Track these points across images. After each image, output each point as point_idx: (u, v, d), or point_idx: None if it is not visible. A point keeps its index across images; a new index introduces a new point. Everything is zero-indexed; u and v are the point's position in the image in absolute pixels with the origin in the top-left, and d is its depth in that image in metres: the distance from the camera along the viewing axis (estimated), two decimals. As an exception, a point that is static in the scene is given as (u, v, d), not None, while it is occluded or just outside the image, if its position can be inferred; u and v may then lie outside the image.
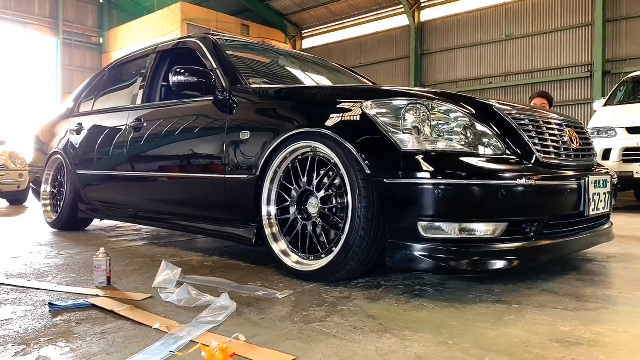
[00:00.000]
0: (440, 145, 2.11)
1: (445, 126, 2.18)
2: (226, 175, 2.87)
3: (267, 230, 2.61)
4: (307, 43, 20.19)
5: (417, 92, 2.30)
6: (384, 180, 2.13)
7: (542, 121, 2.44)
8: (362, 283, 2.40)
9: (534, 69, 13.74)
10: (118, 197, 3.92)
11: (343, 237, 2.26)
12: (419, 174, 2.05)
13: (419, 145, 2.11)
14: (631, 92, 8.34)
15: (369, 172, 2.17)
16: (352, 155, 2.24)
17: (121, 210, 3.93)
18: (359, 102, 2.31)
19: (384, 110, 2.23)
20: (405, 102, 2.21)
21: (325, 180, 2.45)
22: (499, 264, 2.06)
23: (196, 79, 2.98)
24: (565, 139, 2.52)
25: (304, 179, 2.49)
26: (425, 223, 2.06)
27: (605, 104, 7.79)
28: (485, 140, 2.19)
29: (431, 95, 2.27)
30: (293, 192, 2.59)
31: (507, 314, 1.91)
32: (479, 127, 2.20)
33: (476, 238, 2.07)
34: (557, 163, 2.34)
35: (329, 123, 2.36)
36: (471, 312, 1.93)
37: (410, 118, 2.17)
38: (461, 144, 2.13)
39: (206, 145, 3.05)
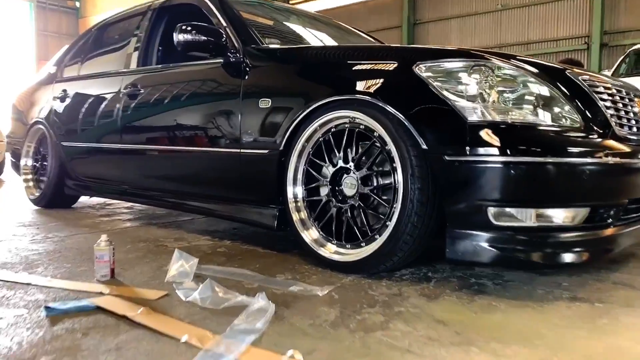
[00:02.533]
0: (513, 116, 1.78)
1: (512, 94, 1.84)
2: (242, 150, 2.50)
3: (295, 216, 2.27)
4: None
5: (476, 52, 1.94)
6: (445, 157, 1.79)
7: (616, 90, 2.11)
8: (407, 275, 2.08)
9: (530, 40, 13.38)
10: (112, 173, 3.52)
11: (391, 223, 1.93)
12: (491, 150, 1.71)
13: (487, 116, 1.77)
14: (634, 64, 8.11)
15: (425, 147, 1.84)
16: (404, 128, 1.90)
17: (116, 188, 3.53)
18: (410, 63, 1.95)
19: (441, 74, 1.88)
20: (467, 63, 1.86)
21: (365, 157, 2.11)
22: (574, 256, 1.76)
23: (205, 38, 2.58)
24: (637, 110, 2.20)
25: (340, 156, 2.14)
26: (497, 209, 1.74)
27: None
28: (558, 110, 1.86)
29: (493, 56, 1.92)
30: (325, 171, 2.24)
31: (597, 316, 1.62)
32: (552, 94, 1.86)
33: (554, 227, 1.76)
34: (634, 138, 2.03)
35: (373, 89, 2.00)
36: (554, 314, 1.64)
37: (474, 83, 1.82)
38: (534, 115, 1.80)
39: (217, 115, 2.67)
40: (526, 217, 1.74)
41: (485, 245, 1.75)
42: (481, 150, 1.73)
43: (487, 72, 1.83)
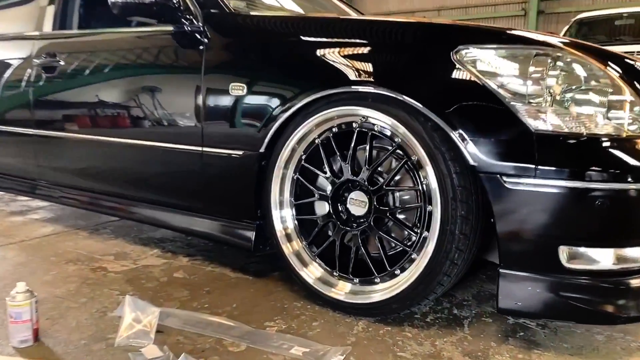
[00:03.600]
0: (591, 126, 1.35)
1: (579, 95, 1.41)
2: (204, 149, 1.93)
3: (286, 248, 1.76)
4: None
5: (537, 37, 1.48)
6: (504, 178, 1.34)
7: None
8: (430, 315, 1.66)
9: (469, 4, 13.23)
10: (21, 165, 2.78)
11: (424, 258, 1.48)
12: (572, 172, 1.29)
13: (560, 124, 1.33)
14: (576, 35, 8.13)
15: (473, 163, 1.38)
16: (443, 135, 1.42)
17: (27, 185, 2.79)
18: (448, 47, 1.46)
19: (492, 63, 1.41)
20: (530, 51, 1.40)
21: (381, 168, 1.62)
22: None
23: (151, 0, 1.93)
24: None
25: (347, 165, 1.64)
26: (571, 248, 1.33)
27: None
28: (628, 117, 1.45)
29: (557, 42, 1.47)
30: (323, 183, 1.74)
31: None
32: (624, 92, 1.45)
33: (634, 269, 1.38)
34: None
35: (397, 80, 1.50)
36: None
37: (541, 79, 1.37)
38: (618, 127, 1.38)
39: (167, 98, 2.05)
40: (604, 258, 1.34)
41: (552, 294, 1.35)
42: (556, 171, 1.29)
43: (557, 66, 1.38)
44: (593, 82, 1.41)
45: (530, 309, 1.38)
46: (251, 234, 1.87)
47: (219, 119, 1.87)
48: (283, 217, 1.77)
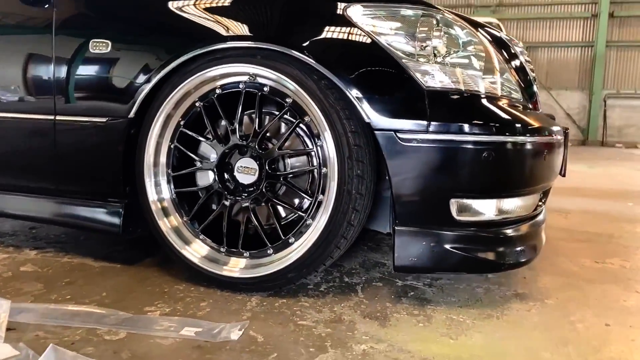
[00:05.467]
0: (471, 84, 1.42)
1: (460, 56, 1.48)
2: (57, 117, 1.65)
3: (163, 224, 1.57)
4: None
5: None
6: (397, 135, 1.34)
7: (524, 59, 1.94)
8: (323, 285, 1.61)
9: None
10: None
11: (320, 222, 1.42)
12: (463, 127, 1.33)
13: (447, 81, 1.37)
14: None
15: (369, 120, 1.36)
16: (338, 93, 1.38)
17: None
18: (339, 5, 1.43)
19: (383, 21, 1.41)
20: (416, 11, 1.42)
21: (270, 132, 1.53)
22: (530, 251, 1.52)
23: None
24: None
25: (235, 128, 1.51)
26: (462, 202, 1.38)
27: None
28: (504, 80, 1.56)
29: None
30: (206, 150, 1.59)
31: (568, 315, 1.41)
32: (495, 59, 1.56)
33: (513, 219, 1.48)
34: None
35: (289, 36, 1.42)
36: (526, 325, 1.37)
37: (427, 38, 1.40)
38: (495, 85, 1.47)
39: (8, 59, 1.72)
40: (488, 209, 1.42)
41: (448, 247, 1.38)
42: (448, 126, 1.33)
43: (440, 27, 1.42)
44: (470, 48, 1.48)
45: (425, 264, 1.40)
46: (119, 215, 1.64)
47: (77, 81, 1.61)
48: (159, 190, 1.58)
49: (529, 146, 1.41)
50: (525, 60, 1.91)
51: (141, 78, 1.52)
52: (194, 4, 1.52)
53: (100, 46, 1.57)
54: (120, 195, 1.64)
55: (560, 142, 1.65)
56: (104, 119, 1.59)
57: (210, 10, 1.50)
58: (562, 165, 1.83)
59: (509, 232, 1.46)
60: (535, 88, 1.88)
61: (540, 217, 1.64)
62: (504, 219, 1.45)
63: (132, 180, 1.62)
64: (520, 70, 1.79)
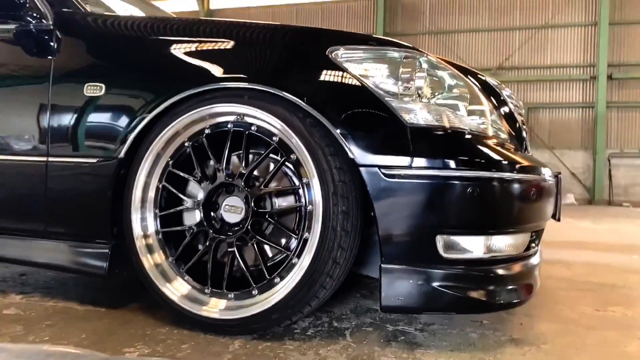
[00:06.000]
0: (455, 120, 1.43)
1: (444, 95, 1.51)
2: (50, 158, 1.67)
3: (147, 261, 1.55)
4: (216, 3, 15.48)
5: (400, 42, 1.56)
6: (381, 171, 1.34)
7: (514, 105, 1.97)
8: (311, 330, 1.56)
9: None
10: None
11: (305, 261, 1.39)
12: (447, 162, 1.33)
13: (430, 119, 1.39)
14: None
15: (353, 156, 1.36)
16: (323, 130, 1.40)
17: None
18: (322, 47, 1.47)
19: (365, 62, 1.45)
20: (399, 53, 1.47)
21: (258, 171, 1.53)
22: (521, 292, 1.48)
23: (-10, -11, 1.69)
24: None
25: (221, 167, 1.52)
26: (448, 238, 1.35)
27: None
28: (487, 120, 1.58)
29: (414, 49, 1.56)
30: (194, 189, 1.60)
31: (563, 364, 1.35)
32: (481, 101, 1.59)
33: (503, 257, 1.45)
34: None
35: (274, 77, 1.46)
36: (521, 368, 1.31)
37: (408, 77, 1.43)
38: (480, 124, 1.49)
39: (7, 101, 1.78)
40: (477, 247, 1.39)
41: (436, 285, 1.34)
42: (431, 162, 1.33)
43: (420, 67, 1.46)
44: (455, 89, 1.51)
45: (412, 303, 1.36)
46: (105, 257, 1.62)
47: (71, 123, 1.65)
48: (144, 227, 1.57)
49: (514, 183, 1.41)
50: (514, 106, 1.94)
51: (132, 119, 1.56)
52: (184, 48, 1.58)
53: (94, 89, 1.62)
54: (108, 236, 1.63)
55: (551, 184, 1.65)
56: (94, 160, 1.61)
57: (200, 53, 1.56)
58: (556, 209, 1.81)
59: (500, 271, 1.42)
60: (524, 134, 1.90)
61: (534, 259, 1.61)
62: (493, 257, 1.41)
63: (119, 221, 1.61)
64: (509, 116, 1.81)
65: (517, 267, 1.47)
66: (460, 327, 1.63)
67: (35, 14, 1.76)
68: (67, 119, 1.66)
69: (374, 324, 1.64)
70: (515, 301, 1.44)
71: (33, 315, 1.63)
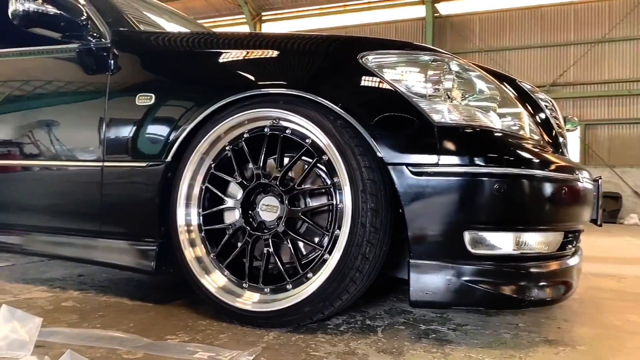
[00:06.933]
0: (485, 120, 1.47)
1: (474, 97, 1.54)
2: (105, 163, 1.82)
3: (188, 253, 1.65)
4: (267, 28, 15.90)
5: (422, 45, 1.62)
6: (409, 169, 1.39)
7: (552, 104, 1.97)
8: (344, 326, 1.60)
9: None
10: None
11: (335, 257, 1.45)
12: (473, 159, 1.36)
13: (457, 118, 1.43)
14: None
15: (381, 155, 1.42)
16: (353, 131, 1.47)
17: None
18: (353, 53, 1.55)
19: (394, 66, 1.51)
20: (427, 57, 1.52)
21: (293, 172, 1.62)
22: (554, 290, 1.47)
23: (57, 12, 1.88)
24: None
25: (258, 167, 1.61)
26: (476, 234, 1.38)
27: None
28: (518, 121, 1.60)
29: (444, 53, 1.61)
30: (234, 190, 1.69)
31: (597, 363, 1.33)
32: (514, 104, 1.61)
33: (533, 255, 1.45)
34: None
35: (307, 82, 1.55)
36: (551, 365, 1.30)
37: (439, 81, 1.48)
38: (505, 123, 1.52)
39: (63, 120, 1.96)
40: (505, 244, 1.40)
41: (465, 281, 1.37)
42: (458, 159, 1.37)
43: (449, 70, 1.50)
44: (485, 91, 1.55)
45: (441, 298, 1.39)
46: (153, 254, 1.74)
47: (123, 130, 1.79)
48: (188, 225, 1.67)
49: (544, 181, 1.41)
50: (550, 111, 1.94)
51: (179, 125, 1.68)
52: (226, 59, 1.70)
53: (145, 99, 1.76)
54: (156, 235, 1.75)
55: (587, 186, 1.63)
56: (144, 164, 1.74)
57: (240, 63, 1.67)
58: (596, 213, 1.78)
59: (531, 268, 1.42)
60: (561, 139, 1.89)
61: (571, 260, 1.59)
62: (524, 254, 1.42)
63: (166, 221, 1.73)
64: (545, 122, 1.82)
65: (550, 266, 1.46)
66: (494, 328, 1.63)
67: (95, 34, 1.94)
68: (121, 127, 1.81)
69: (407, 323, 1.67)
70: (547, 299, 1.43)
71: (88, 308, 1.76)
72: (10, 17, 1.86)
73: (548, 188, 1.43)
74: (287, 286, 1.52)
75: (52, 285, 2.10)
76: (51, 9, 1.87)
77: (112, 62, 1.89)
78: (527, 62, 13.26)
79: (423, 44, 1.61)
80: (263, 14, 15.92)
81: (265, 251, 1.58)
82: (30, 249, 2.06)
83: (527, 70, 13.12)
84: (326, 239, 1.53)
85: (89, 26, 1.95)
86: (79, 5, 1.96)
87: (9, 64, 2.20)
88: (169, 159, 1.70)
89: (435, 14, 13.95)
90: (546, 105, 1.89)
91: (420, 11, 14.26)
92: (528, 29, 13.22)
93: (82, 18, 1.94)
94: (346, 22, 14.98)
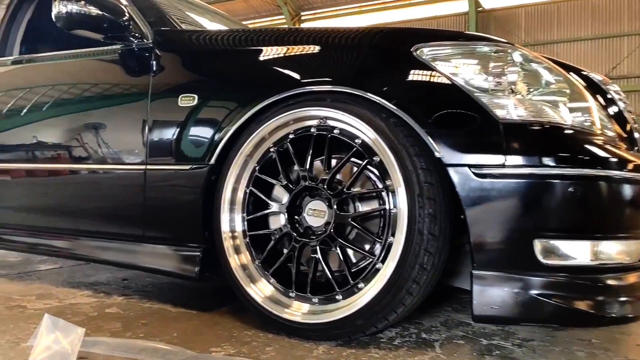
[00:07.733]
0: (554, 116, 1.32)
1: (541, 91, 1.40)
2: (148, 167, 1.77)
3: (233, 261, 1.58)
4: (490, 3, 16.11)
5: (483, 35, 1.49)
6: (471, 170, 1.27)
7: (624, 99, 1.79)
8: (398, 340, 1.49)
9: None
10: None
11: (389, 266, 1.34)
12: (543, 159, 1.23)
13: (527, 115, 1.30)
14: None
15: (440, 156, 1.30)
16: (407, 130, 1.35)
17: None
18: (406, 46, 1.43)
19: (451, 58, 1.39)
20: (489, 47, 1.39)
21: (341, 175, 1.52)
22: (636, 307, 1.31)
23: (100, 13, 1.85)
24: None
25: (305, 169, 1.52)
26: (547, 243, 1.24)
27: None
28: (590, 116, 1.45)
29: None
30: (278, 193, 1.61)
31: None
32: (585, 97, 1.46)
33: (614, 265, 1.30)
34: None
35: (357, 78, 1.45)
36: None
37: (502, 74, 1.35)
38: (576, 119, 1.37)
39: (107, 123, 1.92)
40: (580, 253, 1.26)
41: (535, 294, 1.23)
42: (527, 159, 1.23)
43: (513, 61, 1.37)
44: (553, 84, 1.41)
45: (508, 313, 1.25)
46: (197, 260, 1.68)
47: (166, 132, 1.74)
48: (233, 230, 1.60)
49: (624, 183, 1.26)
50: (623, 104, 1.77)
51: (222, 126, 1.61)
52: (270, 57, 1.62)
53: (188, 100, 1.70)
54: (200, 240, 1.69)
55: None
56: (187, 167, 1.68)
57: (285, 60, 1.58)
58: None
59: (611, 281, 1.27)
60: (636, 134, 1.72)
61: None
62: (602, 265, 1.27)
63: (209, 226, 1.66)
64: (619, 116, 1.65)
65: (632, 278, 1.30)
66: (564, 345, 1.48)
67: (137, 34, 1.90)
68: (163, 130, 1.75)
69: (466, 337, 1.54)
70: (630, 315, 1.28)
71: (131, 315, 1.71)
72: (53, 19, 1.84)
73: (629, 190, 1.27)
74: (337, 296, 1.43)
75: (96, 290, 2.08)
76: (93, 10, 1.83)
77: (154, 62, 1.84)
78: (577, 56, 12.73)
79: (481, 34, 1.48)
80: (302, 13, 16.03)
81: (312, 259, 1.48)
82: (77, 254, 2.04)
83: (577, 63, 12.29)
84: (378, 247, 1.42)
85: (131, 27, 1.91)
86: (121, 5, 1.92)
87: (53, 68, 2.19)
88: (212, 161, 1.63)
89: (478, 8, 13.64)
90: (619, 98, 1.72)
91: (462, 6, 13.98)
92: (578, 21, 12.70)
93: (124, 19, 1.90)
94: (385, 19, 14.82)
